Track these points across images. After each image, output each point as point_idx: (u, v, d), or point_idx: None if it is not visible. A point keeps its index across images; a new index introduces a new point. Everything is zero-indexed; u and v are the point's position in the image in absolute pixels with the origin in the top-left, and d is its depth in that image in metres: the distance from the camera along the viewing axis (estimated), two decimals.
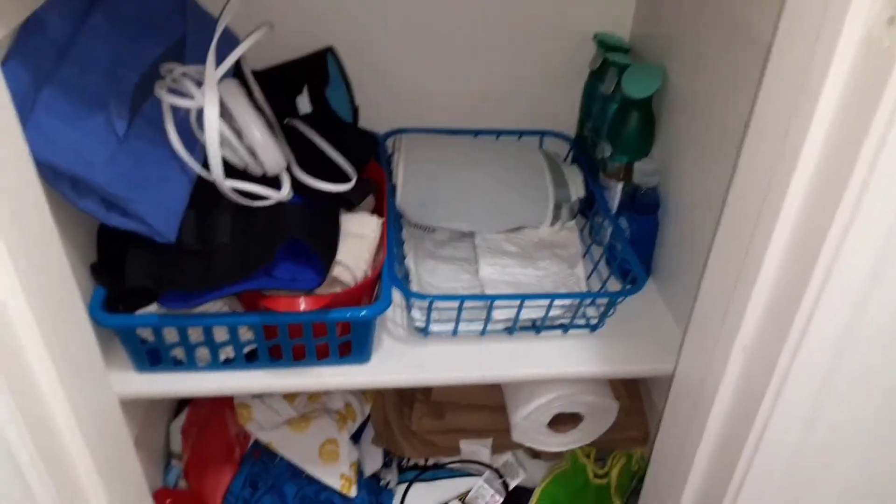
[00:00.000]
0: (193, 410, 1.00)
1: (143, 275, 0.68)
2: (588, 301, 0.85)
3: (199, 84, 0.71)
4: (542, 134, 1.09)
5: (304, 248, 0.69)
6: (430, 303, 0.79)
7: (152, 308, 0.71)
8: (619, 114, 0.92)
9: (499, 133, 1.08)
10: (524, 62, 1.04)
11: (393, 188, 0.96)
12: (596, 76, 1.00)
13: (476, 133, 1.08)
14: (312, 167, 0.82)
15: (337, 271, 0.73)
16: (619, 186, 0.95)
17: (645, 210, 0.88)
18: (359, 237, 0.76)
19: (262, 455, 0.98)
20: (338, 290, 0.74)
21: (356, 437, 1.05)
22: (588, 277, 0.92)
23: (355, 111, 1.01)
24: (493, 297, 0.80)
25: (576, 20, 1.00)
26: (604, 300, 0.84)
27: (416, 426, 1.03)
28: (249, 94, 0.81)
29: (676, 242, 0.88)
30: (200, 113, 0.69)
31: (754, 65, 0.67)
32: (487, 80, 1.05)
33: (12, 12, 0.62)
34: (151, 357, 0.74)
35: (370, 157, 0.91)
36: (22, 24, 0.63)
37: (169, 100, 0.67)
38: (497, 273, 0.90)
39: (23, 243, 0.54)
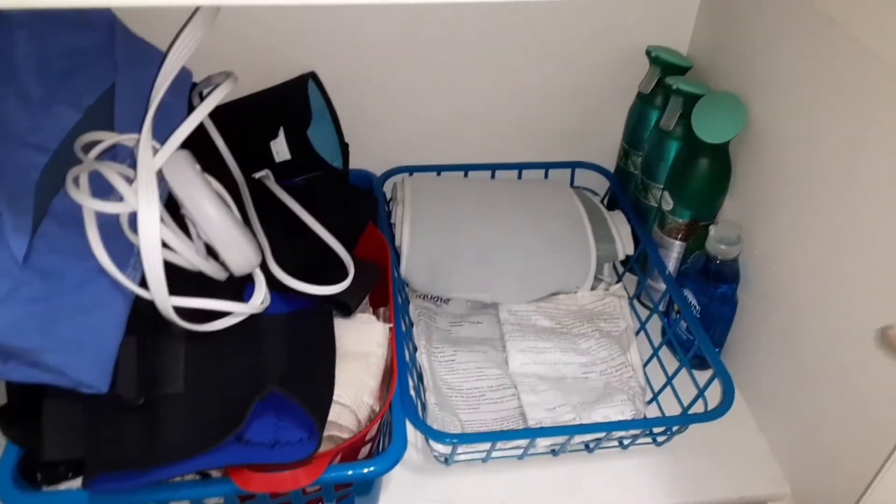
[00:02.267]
0: None
1: (65, 444, 0.49)
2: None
3: (133, 172, 0.50)
4: (574, 167, 0.89)
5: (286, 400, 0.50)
6: (454, 447, 0.60)
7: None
8: (685, 159, 0.72)
9: (521, 167, 0.88)
10: (553, 79, 0.83)
11: (395, 250, 0.77)
12: (647, 100, 0.80)
13: (493, 169, 0.88)
14: (293, 247, 0.63)
15: (334, 413, 0.54)
16: (680, 246, 0.76)
17: (719, 283, 0.70)
18: (361, 358, 0.57)
19: None
20: (336, 438, 0.55)
21: None
22: (646, 364, 0.74)
23: (345, 149, 0.80)
24: (533, 434, 0.61)
25: (621, 29, 0.79)
26: None
27: None
28: (206, 151, 0.60)
29: (760, 325, 0.69)
30: (135, 215, 0.48)
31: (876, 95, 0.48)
32: (507, 103, 0.84)
33: None
34: None
35: (367, 224, 0.71)
36: None
37: (91, 205, 0.47)
38: (531, 361, 0.72)
39: None
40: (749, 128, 0.68)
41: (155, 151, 0.48)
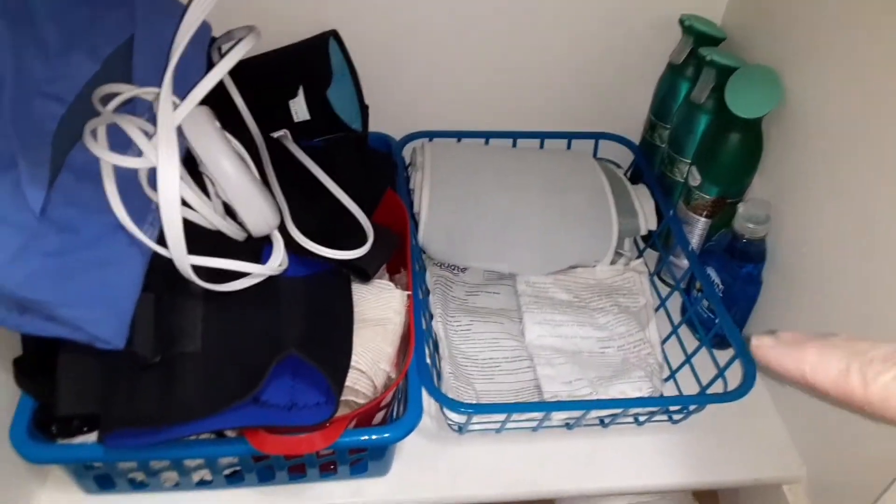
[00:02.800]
0: None
1: (81, 399, 0.49)
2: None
3: (152, 126, 0.49)
4: (598, 138, 0.87)
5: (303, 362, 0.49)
6: (469, 417, 0.60)
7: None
8: (715, 134, 0.70)
9: (543, 137, 0.86)
10: (579, 46, 0.80)
11: (413, 216, 0.75)
12: (678, 71, 0.77)
13: (515, 137, 0.86)
14: (312, 210, 0.62)
15: (351, 379, 0.53)
16: (705, 223, 0.74)
17: (745, 262, 0.68)
18: (379, 325, 0.56)
19: None
20: (352, 403, 0.54)
21: None
22: (664, 342, 0.73)
23: (364, 111, 0.78)
24: (549, 407, 0.61)
25: None
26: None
27: None
28: (224, 109, 0.59)
29: (784, 308, 0.68)
30: (154, 171, 0.47)
31: None
32: (531, 69, 0.82)
33: None
34: (102, 481, 0.56)
35: (386, 189, 0.70)
36: None
37: (109, 159, 0.46)
38: (547, 334, 0.71)
39: None
40: (784, 104, 0.66)
41: (175, 106, 0.47)
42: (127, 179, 0.50)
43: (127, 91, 0.51)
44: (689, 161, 0.74)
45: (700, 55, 0.71)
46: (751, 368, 0.62)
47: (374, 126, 0.80)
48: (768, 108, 0.65)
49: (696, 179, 0.72)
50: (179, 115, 0.46)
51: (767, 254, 0.68)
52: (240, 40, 0.50)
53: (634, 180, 0.84)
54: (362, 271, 0.58)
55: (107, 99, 0.51)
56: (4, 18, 0.46)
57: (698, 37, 0.74)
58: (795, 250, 0.66)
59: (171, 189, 0.45)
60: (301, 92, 0.72)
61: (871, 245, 0.56)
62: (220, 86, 0.63)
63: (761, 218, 0.65)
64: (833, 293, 0.61)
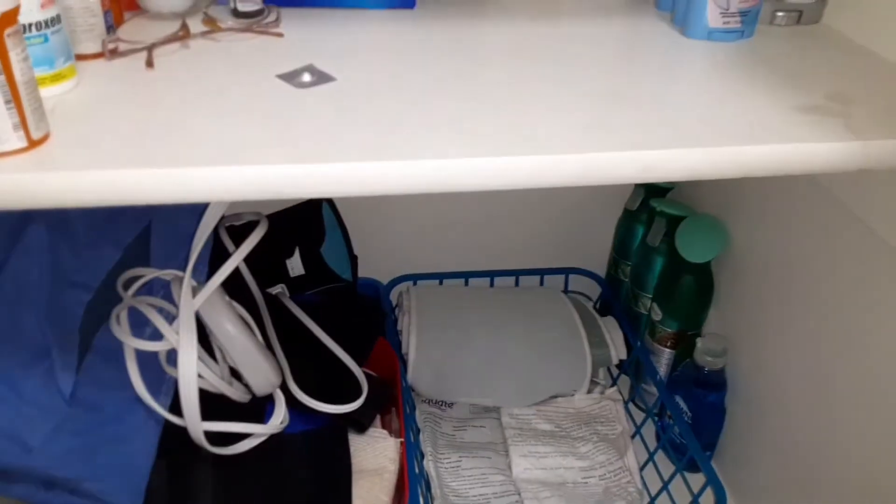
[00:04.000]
0: None
1: None
2: None
3: (169, 304, 0.55)
4: (568, 273, 0.95)
5: None
6: None
7: None
8: (670, 274, 0.78)
9: (518, 274, 0.94)
10: (546, 193, 0.90)
11: (402, 357, 0.81)
12: (633, 216, 0.86)
13: (492, 276, 0.93)
14: (310, 365, 0.67)
15: None
16: (670, 353, 0.81)
17: (708, 391, 0.74)
18: (375, 475, 0.61)
19: None
20: None
21: None
22: (642, 468, 0.77)
23: (354, 262, 0.85)
24: None
25: None
26: None
27: None
28: (231, 276, 0.66)
29: (747, 431, 0.74)
30: (172, 351, 0.53)
31: (849, 240, 0.54)
32: (502, 215, 0.91)
33: None
34: None
35: (377, 338, 0.76)
36: None
37: (132, 344, 0.52)
38: (533, 467, 0.76)
39: None
40: (731, 247, 0.74)
41: (193, 293, 0.53)
42: (144, 356, 0.55)
43: (147, 274, 0.58)
44: (651, 296, 0.82)
45: (651, 205, 0.80)
46: (721, 495, 0.67)
47: (363, 272, 0.87)
48: (714, 254, 0.73)
49: (657, 314, 0.79)
50: (198, 301, 0.53)
51: (728, 383, 0.74)
52: (253, 224, 0.58)
53: (603, 311, 0.91)
54: (358, 424, 0.63)
55: (128, 282, 0.57)
56: (45, 223, 0.53)
57: (648, 188, 0.83)
58: (753, 378, 0.72)
59: (190, 369, 0.51)
60: (297, 251, 0.79)
61: (821, 370, 0.62)
62: (225, 249, 0.70)
63: (718, 351, 0.72)
64: (791, 416, 0.66)
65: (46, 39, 0.41)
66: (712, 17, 0.53)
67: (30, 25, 0.40)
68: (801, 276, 0.64)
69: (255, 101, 0.43)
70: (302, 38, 0.52)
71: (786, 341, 0.67)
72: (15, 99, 0.36)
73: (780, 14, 0.57)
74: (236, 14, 0.55)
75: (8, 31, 0.35)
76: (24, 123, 0.36)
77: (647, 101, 0.45)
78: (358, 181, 0.38)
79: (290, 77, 0.46)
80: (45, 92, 0.41)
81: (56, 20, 0.41)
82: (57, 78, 0.42)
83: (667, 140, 0.41)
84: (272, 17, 0.54)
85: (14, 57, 0.35)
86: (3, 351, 0.47)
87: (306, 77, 0.46)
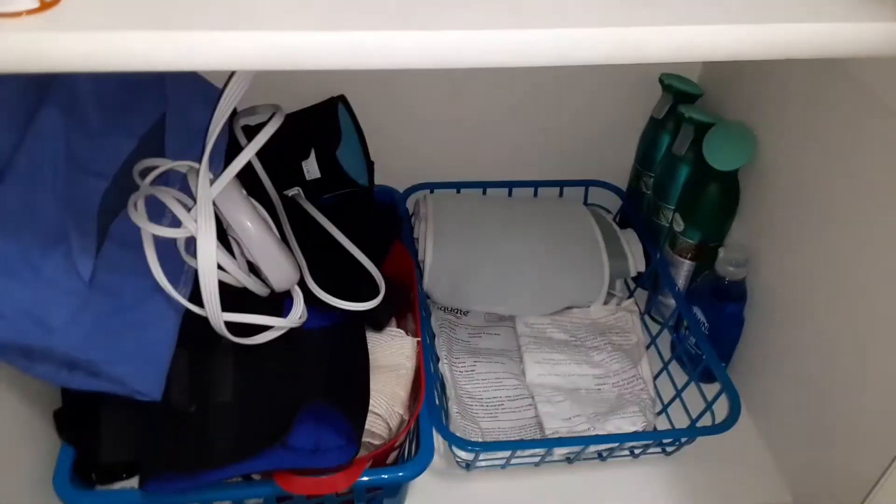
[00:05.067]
0: None
1: (122, 447, 0.54)
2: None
3: (185, 195, 0.55)
4: (588, 185, 0.93)
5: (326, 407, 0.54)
6: (476, 454, 0.65)
7: (135, 481, 0.56)
8: (695, 184, 0.76)
9: (537, 185, 0.92)
10: (568, 100, 0.87)
11: (419, 264, 0.81)
12: (659, 125, 0.83)
13: (510, 186, 0.92)
14: (328, 264, 0.67)
15: (369, 422, 0.58)
16: (690, 265, 0.80)
17: (727, 302, 0.74)
18: (392, 370, 0.61)
19: None
20: (369, 445, 0.59)
21: None
22: (656, 377, 0.78)
23: (370, 168, 0.84)
24: (551, 444, 0.65)
25: None
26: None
27: None
28: (245, 171, 0.65)
29: (765, 343, 0.73)
30: (191, 239, 0.53)
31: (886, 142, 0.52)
32: (524, 122, 0.89)
33: None
34: None
35: (394, 241, 0.75)
36: None
37: (150, 230, 0.51)
38: (546, 373, 0.76)
39: None
40: (758, 157, 0.72)
41: (210, 182, 0.52)
42: (162, 245, 0.55)
43: (163, 165, 0.57)
44: (673, 208, 0.80)
45: (679, 112, 0.77)
46: (736, 402, 0.67)
47: (380, 180, 0.86)
48: (742, 162, 0.71)
49: (679, 225, 0.78)
50: (215, 190, 0.52)
51: (748, 294, 0.73)
52: (268, 118, 0.56)
53: (623, 224, 0.90)
54: (376, 321, 0.63)
55: (145, 172, 0.56)
56: (58, 107, 0.51)
57: (677, 94, 0.80)
58: (773, 290, 0.71)
59: (209, 258, 0.50)
60: (313, 153, 0.77)
61: (845, 282, 0.61)
62: (240, 147, 0.69)
63: (740, 262, 0.71)
64: (808, 327, 0.66)
65: None
66: None
67: None
68: (829, 185, 0.62)
69: None
70: None
71: (811, 252, 0.65)
72: None
73: None
74: None
75: None
76: None
77: None
78: (374, 53, 0.36)
79: None
80: None
81: None
82: None
83: (703, 16, 0.38)
84: None
85: None
86: (21, 232, 0.46)
87: None
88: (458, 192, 0.91)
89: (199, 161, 0.53)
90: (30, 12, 0.35)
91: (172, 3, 0.37)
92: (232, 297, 0.57)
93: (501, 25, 0.36)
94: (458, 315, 0.83)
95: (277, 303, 0.62)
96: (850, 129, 0.59)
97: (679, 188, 0.79)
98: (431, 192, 0.90)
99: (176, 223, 0.53)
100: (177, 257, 0.56)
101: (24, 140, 0.49)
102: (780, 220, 0.70)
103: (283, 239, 0.66)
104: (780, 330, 0.70)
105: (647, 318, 0.85)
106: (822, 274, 0.64)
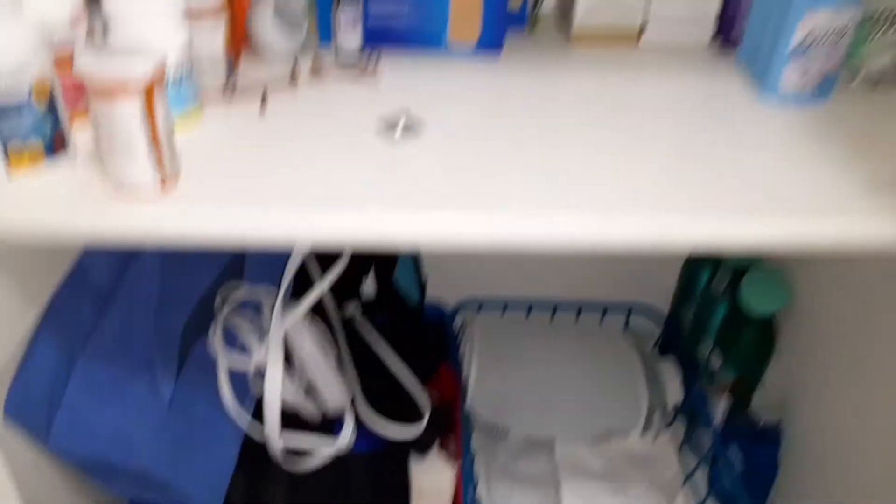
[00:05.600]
0: None
1: None
2: None
3: (258, 320, 0.60)
4: (630, 309, 0.96)
5: None
6: None
7: None
8: (733, 323, 0.79)
9: (580, 307, 0.96)
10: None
11: (462, 381, 0.84)
12: (699, 260, 0.87)
13: (554, 306, 0.96)
14: (378, 386, 0.71)
15: None
16: (727, 402, 0.81)
17: (762, 444, 0.75)
18: (431, 496, 0.64)
19: None
20: None
21: None
22: None
23: (423, 287, 0.89)
24: None
25: None
26: None
27: None
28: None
29: (801, 487, 0.74)
30: (260, 366, 0.58)
31: None
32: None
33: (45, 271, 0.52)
34: None
35: (441, 364, 0.79)
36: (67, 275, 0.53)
37: (226, 360, 0.57)
38: None
39: None
40: (795, 301, 0.75)
41: (283, 316, 0.58)
42: (236, 373, 0.60)
43: (242, 293, 0.63)
44: (711, 343, 0.83)
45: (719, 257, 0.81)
46: None
47: (431, 291, 0.91)
48: (777, 308, 0.74)
49: (717, 361, 0.80)
50: (287, 324, 0.57)
51: (784, 438, 0.75)
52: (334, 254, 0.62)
53: (663, 351, 0.92)
54: (420, 446, 0.67)
55: (224, 299, 0.63)
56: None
57: None
58: (811, 437, 0.72)
59: (275, 387, 0.55)
60: (372, 273, 0.83)
61: (879, 430, 0.62)
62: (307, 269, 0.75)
63: (776, 404, 0.73)
64: (850, 481, 0.66)
65: (180, 85, 0.46)
66: (790, 78, 0.54)
67: (171, 80, 0.45)
68: (867, 331, 0.64)
69: (353, 147, 0.47)
70: (395, 84, 0.56)
71: (850, 401, 0.67)
72: (154, 143, 0.41)
73: (858, 79, 0.58)
74: (339, 52, 0.58)
75: (154, 89, 0.40)
76: (160, 165, 0.41)
77: (711, 168, 0.47)
78: (441, 232, 0.42)
79: (384, 128, 0.50)
80: (178, 136, 0.47)
81: (190, 72, 0.46)
82: (187, 118, 0.48)
83: (726, 211, 0.43)
84: (371, 61, 0.58)
85: (158, 106, 0.40)
86: (116, 360, 0.52)
87: (401, 124, 0.50)
88: (505, 309, 0.95)
89: (273, 285, 0.58)
90: (153, 195, 0.42)
91: (265, 182, 0.43)
92: (286, 418, 0.62)
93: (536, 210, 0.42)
94: (499, 436, 0.85)
95: (328, 426, 0.66)
96: (887, 277, 0.62)
97: (717, 325, 0.82)
98: (479, 309, 0.95)
99: (248, 348, 0.59)
100: (245, 380, 0.62)
101: (125, 278, 0.56)
102: (817, 364, 0.72)
103: (340, 359, 0.71)
104: (818, 480, 0.71)
105: (685, 449, 0.86)
106: (859, 421, 0.65)
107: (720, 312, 0.82)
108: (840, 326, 0.69)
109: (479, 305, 0.95)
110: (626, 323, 0.97)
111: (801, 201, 0.44)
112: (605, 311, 0.96)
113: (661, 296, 0.97)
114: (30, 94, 0.39)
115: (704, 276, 0.86)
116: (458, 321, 0.94)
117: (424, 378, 0.75)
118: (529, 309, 0.96)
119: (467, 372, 0.85)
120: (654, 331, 0.97)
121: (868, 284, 0.64)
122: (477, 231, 0.43)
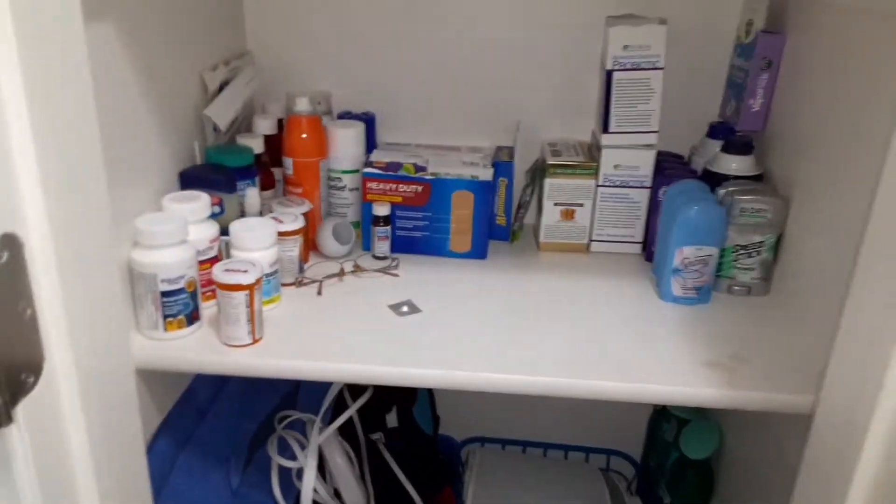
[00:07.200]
0: None
1: None
2: None
3: (302, 436, 0.85)
4: (609, 454, 1.15)
5: None
6: None
7: None
8: (678, 466, 0.97)
9: (567, 449, 1.16)
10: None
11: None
12: (660, 413, 1.07)
13: (546, 447, 1.16)
14: (389, 499, 0.93)
15: None
16: None
17: None
18: None
19: None
20: None
21: None
22: None
23: (436, 421, 1.12)
24: None
25: None
26: None
27: None
28: (345, 426, 0.94)
29: None
30: (301, 469, 0.82)
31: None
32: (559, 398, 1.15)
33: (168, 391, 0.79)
34: None
35: (446, 486, 1.00)
36: (182, 394, 0.80)
37: (277, 461, 0.81)
38: None
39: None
40: (726, 447, 0.94)
41: (319, 433, 0.83)
42: (282, 469, 0.84)
43: (293, 415, 0.88)
44: (665, 485, 1.01)
45: (668, 408, 1.02)
46: None
47: (445, 427, 1.13)
48: (709, 451, 0.93)
49: (667, 500, 0.98)
50: (322, 438, 0.82)
51: None
52: (364, 387, 0.87)
53: (639, 490, 1.10)
54: None
55: (281, 419, 0.88)
56: (239, 378, 0.86)
57: None
58: None
59: (309, 487, 0.79)
60: (395, 409, 1.07)
61: None
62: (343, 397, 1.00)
63: None
64: None
65: (269, 282, 0.75)
66: (676, 288, 0.79)
67: (265, 276, 0.74)
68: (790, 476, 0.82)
69: (374, 321, 0.74)
70: (409, 278, 0.84)
71: None
72: (251, 317, 0.68)
73: (735, 288, 0.81)
74: (374, 257, 0.88)
75: (255, 288, 0.68)
76: (253, 330, 0.69)
77: (602, 345, 0.71)
78: (431, 381, 0.67)
79: (396, 308, 0.77)
80: (265, 310, 0.75)
81: (276, 271, 0.75)
82: (271, 301, 0.76)
83: (596, 373, 0.66)
84: (394, 262, 0.87)
85: (256, 297, 0.68)
86: (206, 454, 0.77)
87: (405, 308, 0.77)
88: (504, 447, 1.16)
89: (317, 412, 0.83)
90: (245, 345, 0.69)
91: (321, 342, 0.70)
92: None
93: (489, 370, 0.66)
94: None
95: None
96: (795, 428, 0.81)
97: (668, 468, 1.01)
98: (482, 444, 1.16)
99: (294, 456, 0.83)
100: (290, 480, 0.85)
101: (218, 398, 0.83)
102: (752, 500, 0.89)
103: (361, 471, 0.94)
104: None
105: None
106: None
107: (672, 457, 1.01)
108: (761, 468, 0.87)
109: (483, 443, 1.17)
110: (608, 465, 1.15)
111: (654, 372, 0.67)
112: (588, 455, 1.16)
113: (638, 444, 1.17)
114: (184, 287, 0.68)
115: (664, 427, 1.06)
116: (464, 454, 1.15)
117: (429, 496, 0.96)
118: (524, 449, 1.16)
119: (465, 496, 1.05)
120: (631, 473, 1.15)
121: (782, 433, 0.83)
122: (450, 377, 0.67)
